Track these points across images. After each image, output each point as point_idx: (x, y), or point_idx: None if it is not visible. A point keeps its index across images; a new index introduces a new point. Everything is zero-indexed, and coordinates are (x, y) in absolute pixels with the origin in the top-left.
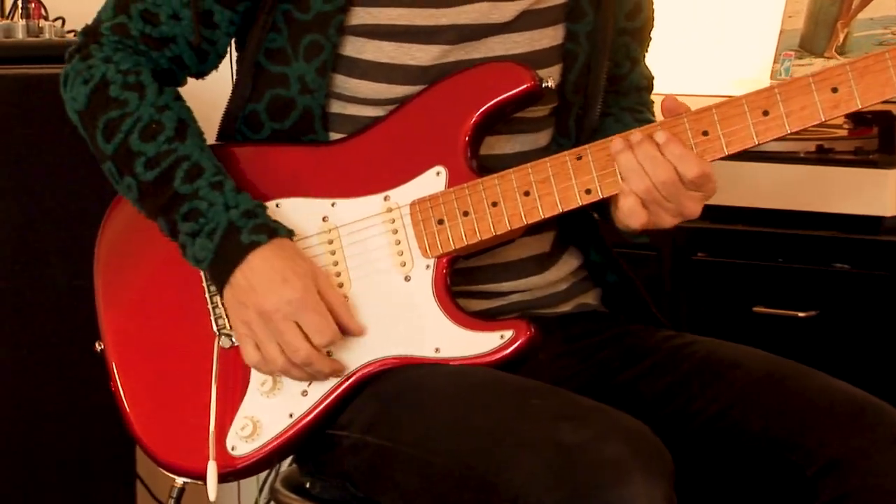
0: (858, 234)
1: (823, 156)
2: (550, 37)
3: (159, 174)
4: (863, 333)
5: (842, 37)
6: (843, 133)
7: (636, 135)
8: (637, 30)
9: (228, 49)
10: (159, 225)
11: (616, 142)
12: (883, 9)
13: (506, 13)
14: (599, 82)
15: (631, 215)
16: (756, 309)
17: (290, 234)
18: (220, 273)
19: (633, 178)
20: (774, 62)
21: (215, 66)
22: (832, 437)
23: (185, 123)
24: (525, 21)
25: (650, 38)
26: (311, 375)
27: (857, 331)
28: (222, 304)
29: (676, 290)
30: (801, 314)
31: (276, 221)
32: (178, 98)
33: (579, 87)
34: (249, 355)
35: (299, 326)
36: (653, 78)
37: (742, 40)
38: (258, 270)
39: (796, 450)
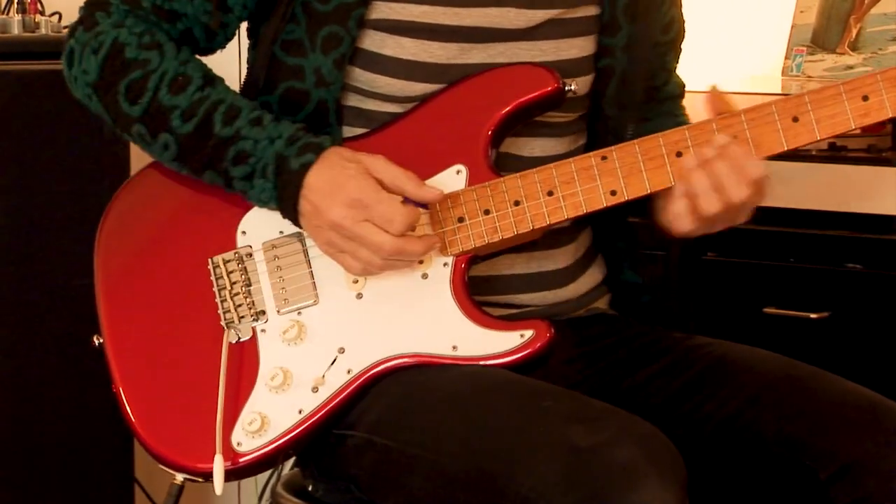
0: (871, 233)
1: (836, 154)
2: (579, 47)
3: (198, 123)
4: (876, 335)
5: (854, 32)
6: (856, 131)
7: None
8: (671, 42)
9: (237, 42)
10: (207, 179)
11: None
12: None
13: (532, 19)
14: (637, 95)
15: (676, 220)
16: (767, 310)
17: (335, 141)
18: (288, 207)
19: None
20: (786, 58)
21: (222, 47)
22: (845, 440)
23: (209, 72)
24: (551, 29)
25: (681, 49)
26: (412, 261)
27: (870, 332)
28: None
29: (686, 290)
30: (812, 315)
31: (319, 136)
32: (194, 56)
33: (617, 100)
34: (351, 267)
35: (373, 223)
36: (684, 85)
37: (754, 36)
38: (315, 189)
39: (809, 453)
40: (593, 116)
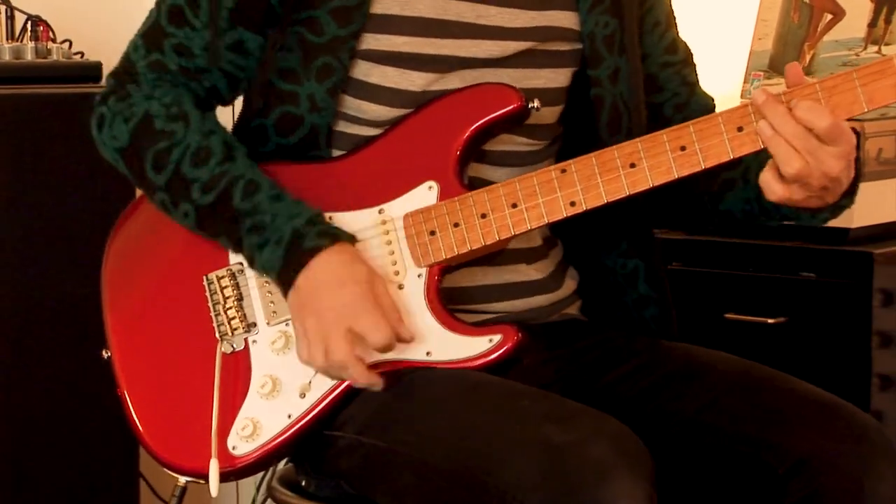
0: (825, 244)
1: None
2: (546, 78)
3: (217, 196)
4: (829, 339)
5: (808, 58)
6: None
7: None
8: (682, 61)
9: None
10: (221, 242)
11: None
12: (847, 31)
13: (505, 50)
14: (638, 118)
15: (767, 188)
16: (728, 315)
17: (351, 238)
18: (287, 278)
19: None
20: (744, 82)
21: (243, 92)
22: (801, 437)
23: (231, 145)
24: (522, 60)
25: (695, 64)
26: (346, 379)
27: (824, 336)
28: (288, 306)
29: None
30: (770, 320)
31: (337, 228)
32: (218, 122)
33: (616, 127)
34: (300, 353)
35: (351, 332)
36: (713, 100)
37: (714, 61)
38: (319, 274)
39: (768, 449)
40: (588, 144)
